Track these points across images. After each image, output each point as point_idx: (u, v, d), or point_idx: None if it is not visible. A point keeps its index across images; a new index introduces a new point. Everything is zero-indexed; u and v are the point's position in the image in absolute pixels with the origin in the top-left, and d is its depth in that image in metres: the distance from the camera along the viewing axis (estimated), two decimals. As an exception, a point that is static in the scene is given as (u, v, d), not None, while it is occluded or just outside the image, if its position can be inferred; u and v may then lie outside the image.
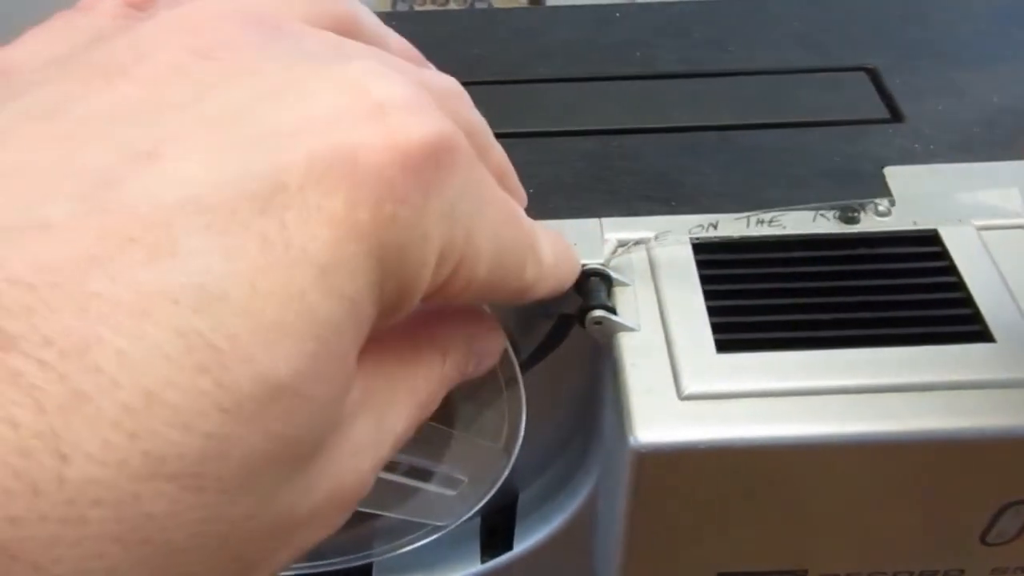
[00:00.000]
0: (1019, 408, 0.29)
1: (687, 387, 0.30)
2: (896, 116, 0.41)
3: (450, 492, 0.32)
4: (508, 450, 0.31)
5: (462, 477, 0.32)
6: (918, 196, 0.36)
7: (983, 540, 0.34)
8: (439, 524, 0.32)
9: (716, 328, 0.32)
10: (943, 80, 0.43)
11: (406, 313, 0.19)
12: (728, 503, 0.32)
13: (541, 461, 0.42)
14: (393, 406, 0.21)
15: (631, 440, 0.29)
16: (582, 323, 0.32)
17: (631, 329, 0.32)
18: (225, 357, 0.14)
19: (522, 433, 0.31)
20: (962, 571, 0.36)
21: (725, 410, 0.29)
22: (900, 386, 0.30)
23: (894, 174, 0.37)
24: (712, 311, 0.32)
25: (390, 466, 0.27)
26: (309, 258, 0.16)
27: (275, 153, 0.16)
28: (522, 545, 0.43)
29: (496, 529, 0.46)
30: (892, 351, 0.31)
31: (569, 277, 0.27)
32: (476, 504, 0.32)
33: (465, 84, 0.39)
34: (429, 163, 0.18)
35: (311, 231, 0.16)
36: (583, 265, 0.33)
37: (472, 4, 2.07)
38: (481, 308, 0.27)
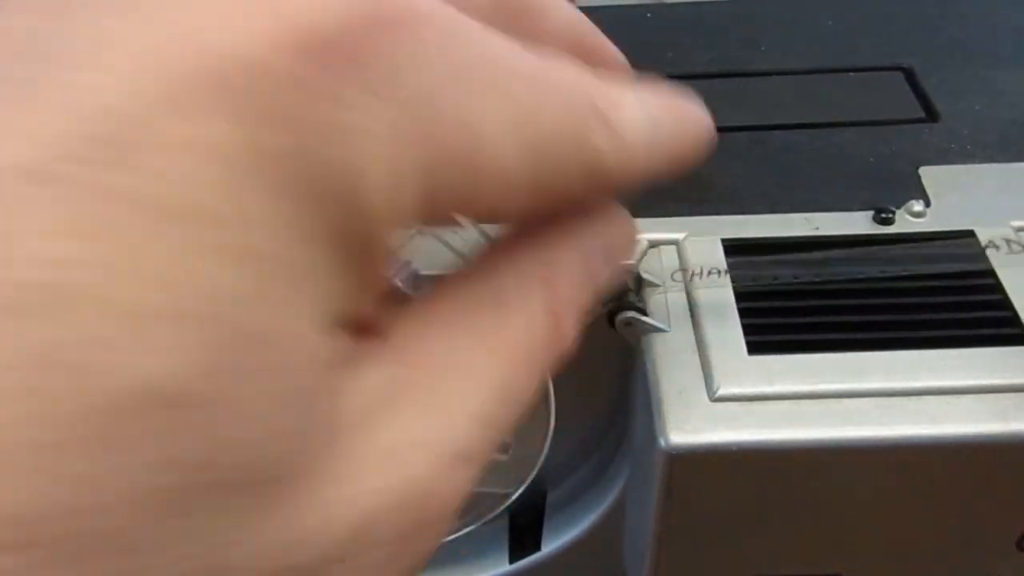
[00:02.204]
0: (1057, 412, 0.29)
1: (719, 389, 0.30)
2: (932, 116, 0.40)
3: (503, 457, 0.32)
4: (547, 411, 0.31)
5: (509, 441, 0.32)
6: (954, 197, 0.36)
7: (1019, 546, 0.33)
8: (505, 492, 0.33)
9: (748, 329, 0.31)
10: (980, 80, 0.42)
11: (389, 254, 0.14)
12: (759, 506, 0.32)
13: (570, 461, 0.42)
14: (465, 379, 0.15)
15: (662, 442, 0.29)
16: (612, 324, 0.32)
17: (662, 330, 0.32)
18: (69, 370, 0.10)
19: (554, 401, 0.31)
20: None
21: (757, 412, 0.29)
22: (935, 389, 0.30)
23: (930, 174, 0.37)
24: (744, 312, 0.32)
25: None
26: (183, 212, 0.11)
27: (110, 78, 0.11)
28: (550, 546, 0.43)
29: (524, 529, 0.46)
30: (928, 353, 0.31)
31: (686, 144, 0.20)
32: (531, 469, 0.31)
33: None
34: (346, 46, 0.13)
35: (179, 174, 0.11)
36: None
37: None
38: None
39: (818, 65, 0.44)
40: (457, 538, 0.40)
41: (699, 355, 0.31)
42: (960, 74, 0.43)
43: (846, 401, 0.30)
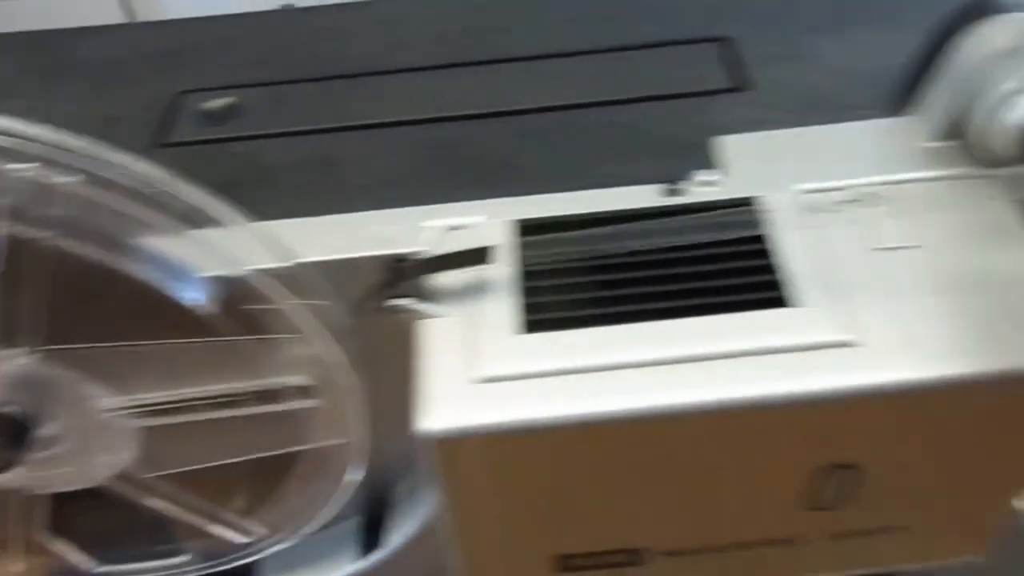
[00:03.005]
0: (814, 371, 0.29)
1: (484, 370, 0.30)
2: (742, 85, 0.40)
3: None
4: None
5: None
6: (746, 164, 0.36)
7: (810, 506, 0.33)
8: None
9: (528, 308, 0.31)
10: (796, 47, 0.42)
11: None
12: (542, 484, 0.32)
13: (407, 457, 0.42)
14: None
15: (421, 428, 0.29)
16: (387, 310, 0.32)
17: (438, 315, 0.32)
18: None
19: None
20: (801, 538, 0.36)
21: (522, 390, 0.29)
22: (701, 356, 0.30)
23: (728, 144, 0.37)
24: (527, 291, 0.32)
25: None
26: None
27: None
28: (396, 541, 0.43)
29: (375, 526, 0.45)
30: (696, 321, 0.31)
31: None
32: None
33: (326, 79, 0.39)
34: None
35: None
36: (396, 254, 0.33)
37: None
38: None
39: (639, 41, 0.44)
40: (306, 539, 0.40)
41: (470, 337, 0.31)
42: (778, 43, 0.43)
43: (613, 373, 0.30)
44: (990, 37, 0.33)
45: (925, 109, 0.36)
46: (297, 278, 0.32)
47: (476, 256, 0.32)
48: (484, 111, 0.41)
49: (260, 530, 0.39)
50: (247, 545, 0.40)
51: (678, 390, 0.29)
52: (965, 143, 0.35)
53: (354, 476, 0.36)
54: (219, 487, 0.37)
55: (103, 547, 0.40)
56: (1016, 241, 0.32)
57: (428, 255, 0.33)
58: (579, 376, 0.29)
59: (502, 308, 0.31)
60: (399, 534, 0.41)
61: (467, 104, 0.42)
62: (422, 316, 0.31)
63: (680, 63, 0.43)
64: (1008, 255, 0.32)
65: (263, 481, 0.37)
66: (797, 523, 0.35)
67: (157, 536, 0.39)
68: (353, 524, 0.44)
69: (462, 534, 0.34)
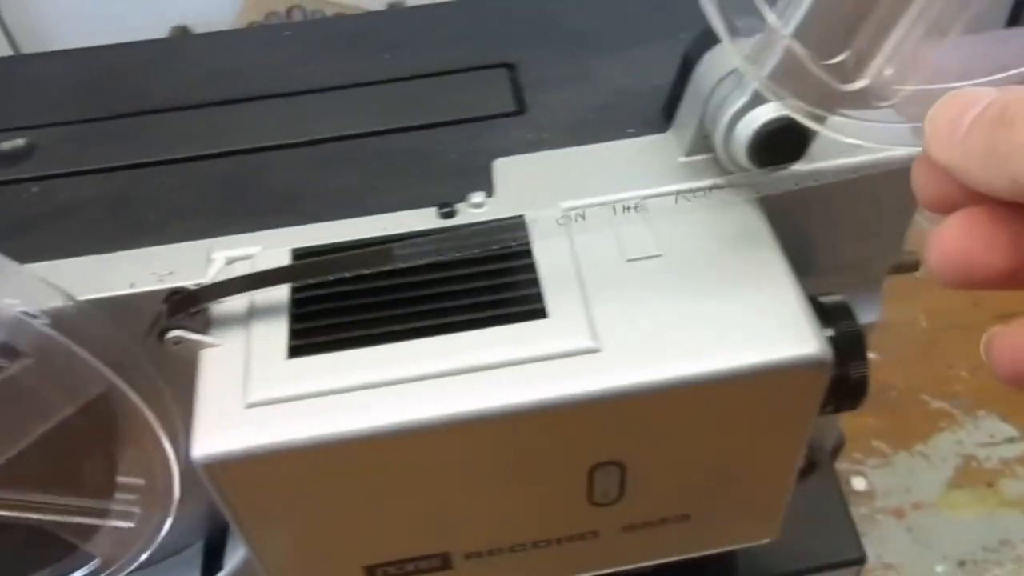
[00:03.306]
0: (561, 378, 0.31)
1: (253, 395, 0.31)
2: (521, 108, 0.43)
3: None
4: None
5: None
6: (516, 185, 0.38)
7: (591, 501, 0.36)
8: None
9: (296, 334, 0.33)
10: (575, 69, 0.45)
11: None
12: (325, 500, 0.33)
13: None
14: None
15: (192, 454, 0.30)
16: (168, 342, 0.33)
17: (214, 344, 0.33)
18: None
19: None
20: (596, 532, 0.38)
21: (286, 413, 0.31)
22: (461, 369, 0.32)
23: (501, 165, 0.39)
24: (297, 318, 0.34)
25: None
26: None
27: None
28: (231, 564, 0.44)
29: (215, 550, 0.46)
30: (460, 336, 0.33)
31: None
32: None
33: (129, 116, 0.40)
34: None
35: None
36: (175, 287, 0.34)
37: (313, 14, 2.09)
38: None
39: (434, 68, 0.46)
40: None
41: (243, 363, 0.32)
42: (559, 66, 0.45)
43: (377, 391, 0.31)
44: (723, 59, 0.36)
45: (680, 126, 0.39)
46: (77, 316, 0.33)
47: (250, 283, 0.33)
48: (279, 142, 0.42)
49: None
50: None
51: (433, 403, 0.31)
52: (715, 156, 0.38)
53: (163, 515, 0.37)
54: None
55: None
56: (755, 243, 0.35)
57: (204, 286, 0.34)
58: (343, 396, 0.31)
59: (274, 334, 0.33)
60: (234, 557, 0.42)
61: (265, 136, 0.43)
62: (201, 346, 0.32)
63: (468, 89, 0.45)
64: (746, 257, 0.35)
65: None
66: (589, 519, 0.37)
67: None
68: (196, 549, 0.45)
69: (259, 554, 0.35)
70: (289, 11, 2.06)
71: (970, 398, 0.77)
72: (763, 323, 0.32)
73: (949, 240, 0.23)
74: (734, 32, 0.34)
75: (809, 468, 0.41)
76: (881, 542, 0.70)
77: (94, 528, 0.39)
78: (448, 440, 0.32)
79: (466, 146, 0.41)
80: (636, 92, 0.43)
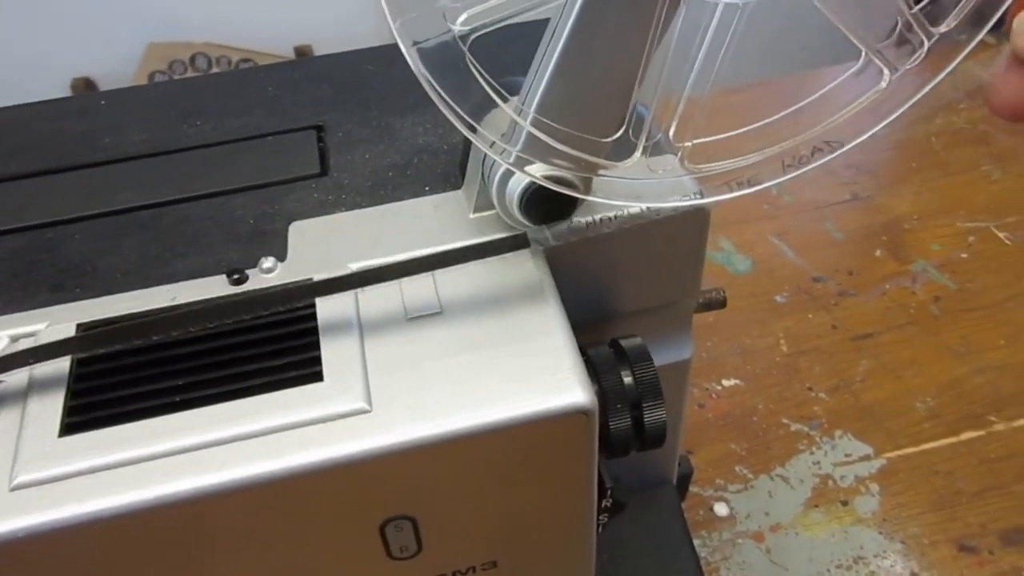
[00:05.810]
0: (332, 440, 0.32)
1: (18, 476, 0.31)
2: (325, 170, 0.44)
3: None
4: None
5: None
6: (309, 248, 0.39)
7: (391, 556, 0.36)
8: None
9: (71, 411, 0.33)
10: (378, 128, 0.46)
11: None
12: (106, 577, 0.33)
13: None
14: None
15: (-46, 540, 0.30)
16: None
17: (-15, 426, 0.33)
18: None
19: None
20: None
21: (55, 493, 0.31)
22: (232, 437, 0.32)
23: (297, 228, 0.40)
24: (75, 394, 0.33)
25: None
26: None
27: None
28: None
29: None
30: (238, 404, 0.33)
31: None
32: None
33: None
34: None
35: None
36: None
37: (238, 65, 2.08)
38: None
39: (243, 133, 0.47)
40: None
41: (13, 443, 0.32)
42: (365, 124, 0.46)
43: (152, 464, 0.31)
44: (498, 119, 0.37)
45: (468, 184, 0.40)
46: None
47: (27, 359, 0.33)
48: (78, 214, 0.42)
49: None
50: None
51: (205, 473, 0.31)
52: (498, 211, 0.39)
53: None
54: None
55: None
56: (533, 296, 0.36)
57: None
58: (109, 472, 0.31)
59: (48, 410, 0.33)
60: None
61: (66, 208, 0.43)
62: (-31, 432, 0.32)
63: (274, 152, 0.45)
64: (523, 309, 0.36)
65: None
66: (395, 573, 0.38)
67: None
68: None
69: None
70: (192, 59, 2.05)
71: (828, 418, 0.80)
72: (530, 375, 0.33)
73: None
74: (502, 98, 0.35)
75: (616, 507, 0.42)
76: (740, 566, 0.72)
77: None
78: (220, 510, 0.32)
79: (266, 210, 0.41)
80: (435, 150, 0.45)
